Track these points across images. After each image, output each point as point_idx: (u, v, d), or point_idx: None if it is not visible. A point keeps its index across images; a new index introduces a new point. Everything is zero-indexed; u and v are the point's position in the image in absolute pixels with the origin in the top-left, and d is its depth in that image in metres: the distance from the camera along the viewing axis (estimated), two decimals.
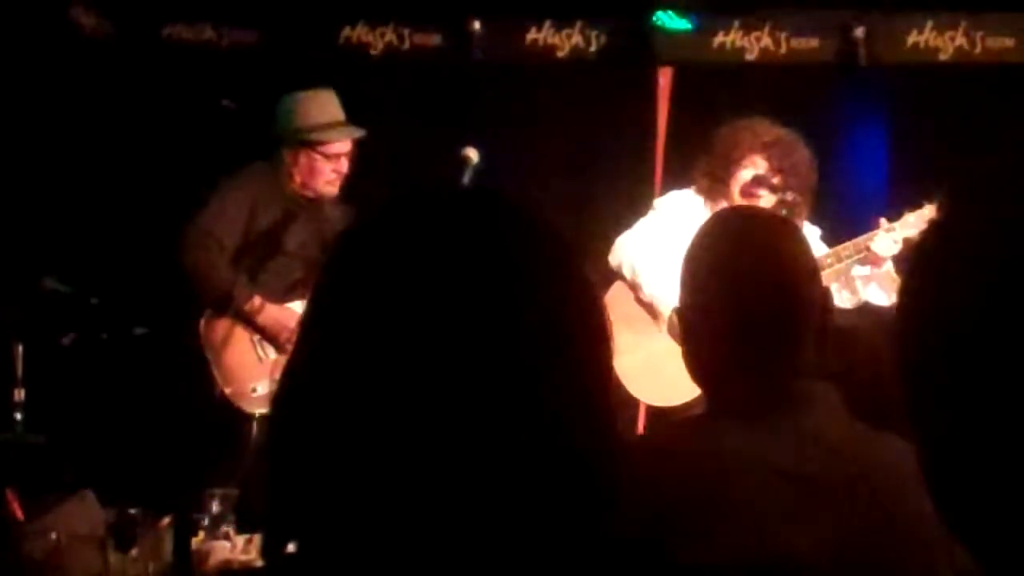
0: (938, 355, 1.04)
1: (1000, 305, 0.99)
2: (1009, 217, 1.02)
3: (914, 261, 1.10)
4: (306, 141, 5.97)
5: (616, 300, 5.66)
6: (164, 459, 6.23)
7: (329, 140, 5.99)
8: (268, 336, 5.87)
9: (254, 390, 5.76)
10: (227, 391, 5.83)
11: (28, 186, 7.17)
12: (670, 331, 5.61)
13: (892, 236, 5.60)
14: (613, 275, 5.80)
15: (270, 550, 1.38)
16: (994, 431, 1.00)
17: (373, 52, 7.78)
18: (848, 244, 5.64)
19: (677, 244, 5.78)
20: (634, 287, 5.74)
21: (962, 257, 1.04)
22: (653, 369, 5.49)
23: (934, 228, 1.10)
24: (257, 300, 5.85)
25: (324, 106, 6.05)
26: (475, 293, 1.30)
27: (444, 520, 1.26)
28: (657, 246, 5.66)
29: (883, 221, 5.64)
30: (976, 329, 1.01)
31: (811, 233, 5.48)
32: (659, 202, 5.94)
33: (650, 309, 5.72)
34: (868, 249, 5.61)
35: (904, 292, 1.11)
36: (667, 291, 5.59)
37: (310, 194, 6.02)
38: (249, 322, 5.88)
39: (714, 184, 5.72)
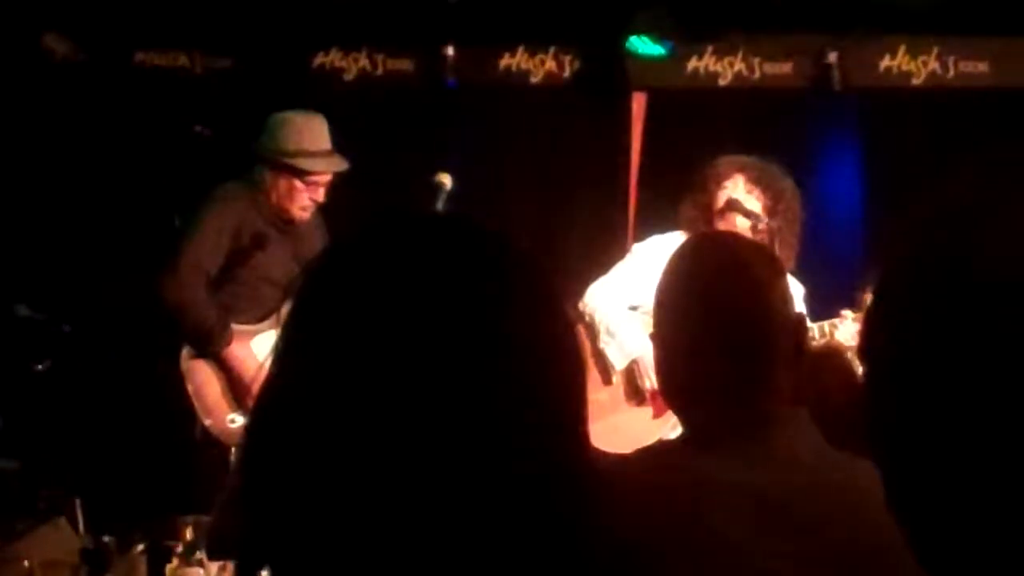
0: (893, 398, 1.06)
1: (950, 345, 1.01)
2: (953, 266, 1.04)
3: (871, 306, 1.13)
4: (288, 166, 5.82)
5: None
6: (138, 486, 6.21)
7: (313, 170, 5.84)
8: (236, 386, 5.78)
9: (232, 421, 5.71)
10: (207, 423, 5.75)
11: None
12: (627, 393, 5.60)
13: (859, 327, 5.52)
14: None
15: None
16: (950, 464, 1.01)
17: (346, 77, 7.79)
18: (811, 327, 5.56)
19: (652, 289, 5.74)
20: (593, 337, 5.67)
21: (912, 303, 1.06)
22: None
23: (887, 276, 1.12)
24: (231, 349, 5.77)
25: (313, 132, 5.87)
26: (447, 319, 1.29)
27: (416, 546, 1.26)
28: (627, 296, 5.61)
29: (846, 312, 5.58)
30: (926, 370, 1.02)
31: (795, 292, 5.46)
32: (638, 247, 5.80)
33: (600, 361, 5.66)
34: (832, 336, 5.53)
35: (862, 334, 1.13)
36: (622, 350, 5.62)
37: (285, 216, 5.89)
38: (222, 365, 5.81)
39: (700, 213, 5.61)
